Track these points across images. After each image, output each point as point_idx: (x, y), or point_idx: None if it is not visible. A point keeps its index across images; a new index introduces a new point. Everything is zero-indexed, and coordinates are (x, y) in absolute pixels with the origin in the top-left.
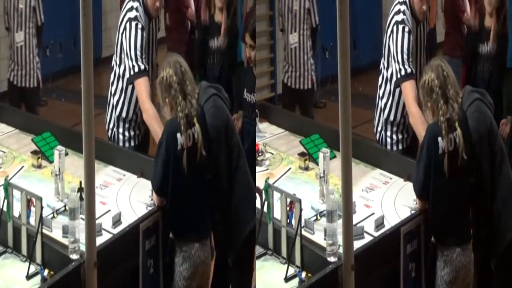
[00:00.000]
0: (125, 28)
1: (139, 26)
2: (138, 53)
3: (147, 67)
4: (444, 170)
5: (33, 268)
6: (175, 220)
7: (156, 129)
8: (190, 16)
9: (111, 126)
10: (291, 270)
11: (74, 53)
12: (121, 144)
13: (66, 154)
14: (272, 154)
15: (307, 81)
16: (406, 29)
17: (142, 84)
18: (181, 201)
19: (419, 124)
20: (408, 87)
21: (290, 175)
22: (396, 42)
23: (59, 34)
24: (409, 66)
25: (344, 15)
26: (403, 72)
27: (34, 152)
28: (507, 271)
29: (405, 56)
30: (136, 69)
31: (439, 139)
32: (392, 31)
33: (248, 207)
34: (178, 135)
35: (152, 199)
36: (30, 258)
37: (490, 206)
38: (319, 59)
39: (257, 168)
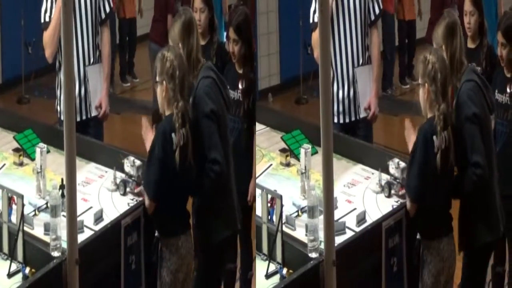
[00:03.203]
0: None
1: None
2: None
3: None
4: (437, 168)
5: (14, 266)
6: (162, 216)
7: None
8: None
9: None
10: (272, 267)
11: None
12: None
13: (48, 151)
14: None
15: None
16: None
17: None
18: (170, 198)
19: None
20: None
21: (271, 171)
22: None
23: (41, 31)
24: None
25: (324, 10)
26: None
27: (15, 150)
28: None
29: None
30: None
31: (434, 137)
32: None
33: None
34: (173, 134)
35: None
36: (12, 256)
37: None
38: (301, 55)
39: None
